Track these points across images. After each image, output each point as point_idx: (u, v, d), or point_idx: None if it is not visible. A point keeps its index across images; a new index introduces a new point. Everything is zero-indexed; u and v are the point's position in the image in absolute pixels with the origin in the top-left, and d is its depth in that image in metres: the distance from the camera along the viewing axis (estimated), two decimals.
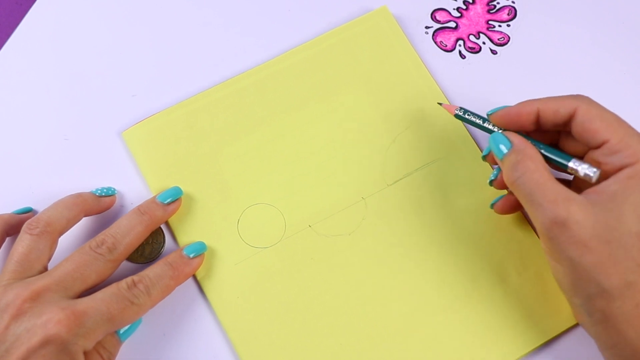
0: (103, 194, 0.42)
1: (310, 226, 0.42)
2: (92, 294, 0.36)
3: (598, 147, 0.35)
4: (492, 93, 0.46)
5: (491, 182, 0.40)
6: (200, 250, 0.41)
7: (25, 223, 0.38)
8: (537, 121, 0.37)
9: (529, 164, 0.35)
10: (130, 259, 0.42)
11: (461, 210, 0.42)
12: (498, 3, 0.48)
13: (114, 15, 0.48)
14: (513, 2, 0.48)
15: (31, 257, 0.37)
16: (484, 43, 0.47)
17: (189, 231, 0.42)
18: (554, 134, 0.39)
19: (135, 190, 0.44)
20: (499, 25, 0.48)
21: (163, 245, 0.42)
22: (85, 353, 0.35)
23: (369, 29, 0.47)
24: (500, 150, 0.37)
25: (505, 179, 0.36)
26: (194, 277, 0.42)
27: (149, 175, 0.43)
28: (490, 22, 0.48)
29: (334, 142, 0.44)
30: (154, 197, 0.42)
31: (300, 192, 0.43)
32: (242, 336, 0.40)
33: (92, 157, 0.45)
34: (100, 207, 0.42)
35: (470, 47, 0.47)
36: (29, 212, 0.42)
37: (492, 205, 0.41)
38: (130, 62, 0.47)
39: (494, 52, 0.47)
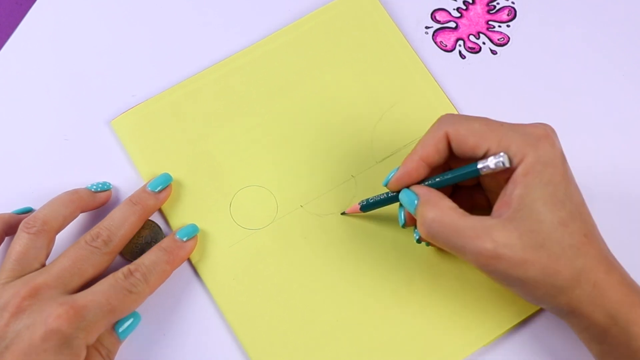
0: (99, 189, 0.42)
1: (301, 206, 0.43)
2: (90, 288, 0.37)
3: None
4: (492, 93, 0.46)
5: (419, 241, 0.39)
6: (192, 233, 0.41)
7: (23, 222, 0.38)
8: (431, 167, 0.37)
9: (435, 212, 0.34)
10: (130, 257, 0.42)
11: None
12: (498, 3, 0.48)
13: (114, 15, 0.48)
14: (513, 3, 0.48)
15: (29, 256, 0.37)
16: (484, 43, 0.47)
17: (182, 216, 0.43)
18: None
19: (131, 180, 0.44)
20: (499, 26, 0.48)
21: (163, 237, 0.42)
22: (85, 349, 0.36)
23: (352, 8, 0.47)
24: (412, 205, 0.36)
25: (423, 236, 0.36)
26: (189, 260, 0.42)
27: (140, 164, 0.44)
28: (490, 23, 0.48)
29: (322, 122, 0.45)
30: (144, 185, 0.42)
31: (290, 173, 0.44)
32: (239, 317, 0.41)
33: (93, 158, 0.45)
34: (96, 202, 0.42)
35: (470, 47, 0.47)
36: (28, 212, 0.42)
37: (419, 241, 0.40)
38: (130, 62, 0.47)
39: (494, 52, 0.47)
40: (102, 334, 0.37)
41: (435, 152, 0.36)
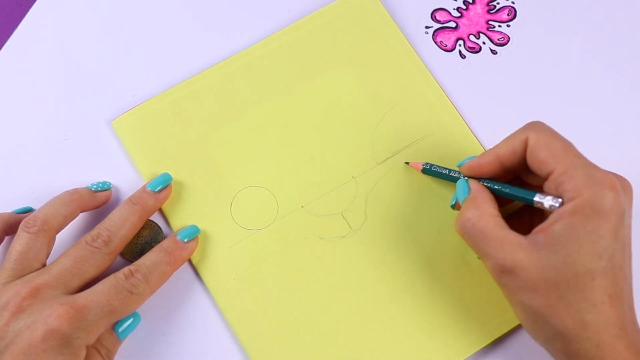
0: (99, 188, 0.42)
1: (302, 207, 0.43)
2: (90, 288, 0.37)
3: (547, 177, 0.35)
4: (492, 93, 0.46)
5: (453, 207, 0.40)
6: (193, 234, 0.41)
7: (23, 221, 0.38)
8: (503, 167, 0.37)
9: (475, 213, 0.35)
10: (130, 257, 0.42)
11: (448, 189, 0.43)
12: (498, 3, 0.48)
13: (114, 15, 0.48)
14: (513, 3, 0.48)
15: (29, 256, 0.37)
16: (484, 43, 0.47)
17: (182, 217, 0.43)
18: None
19: (131, 180, 0.44)
20: (499, 26, 0.48)
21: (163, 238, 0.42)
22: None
23: (354, 9, 0.47)
24: (462, 196, 0.37)
25: (456, 230, 0.36)
26: (190, 261, 0.42)
27: (140, 164, 0.44)
28: (490, 22, 0.48)
29: (323, 122, 0.45)
30: (144, 185, 0.42)
31: (291, 173, 0.44)
32: (239, 318, 0.41)
33: (93, 158, 0.45)
34: (96, 202, 0.42)
35: (470, 47, 0.47)
36: (28, 211, 0.42)
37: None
38: (130, 62, 0.47)
39: (494, 52, 0.47)
40: (102, 334, 0.37)
41: (511, 152, 0.36)
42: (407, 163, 0.43)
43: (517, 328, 0.41)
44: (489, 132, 0.45)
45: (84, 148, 0.45)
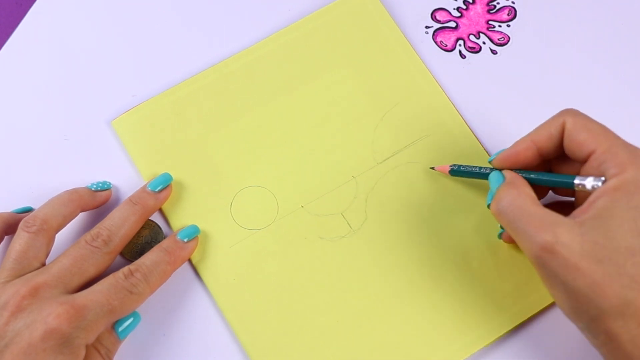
0: (99, 188, 0.42)
1: (302, 206, 0.43)
2: (90, 287, 0.37)
3: (586, 160, 0.34)
4: (492, 93, 0.46)
5: (499, 236, 0.40)
6: (193, 234, 0.41)
7: (22, 221, 0.38)
8: (540, 153, 0.36)
9: (512, 192, 0.35)
10: (130, 257, 0.42)
11: (448, 188, 0.43)
12: (498, 3, 0.48)
13: (114, 15, 0.48)
14: (513, 3, 0.48)
15: (29, 255, 0.37)
16: (484, 43, 0.47)
17: (182, 217, 0.43)
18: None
19: (131, 180, 0.44)
20: (499, 26, 0.48)
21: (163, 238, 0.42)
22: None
23: (354, 9, 0.47)
24: (496, 185, 0.37)
25: (492, 210, 0.36)
26: (190, 261, 0.42)
27: (140, 164, 0.44)
28: (490, 22, 0.48)
29: (323, 122, 0.45)
30: (145, 185, 0.42)
31: (291, 173, 0.44)
32: (239, 317, 0.40)
33: (93, 158, 0.45)
34: (96, 202, 0.42)
35: (470, 47, 0.47)
36: (28, 211, 0.42)
37: (500, 236, 0.41)
38: (130, 62, 0.47)
39: (494, 52, 0.47)
40: (102, 333, 0.37)
41: (547, 137, 0.36)
42: (432, 168, 0.43)
43: (517, 328, 0.41)
44: (489, 132, 0.45)
45: (84, 148, 0.45)
